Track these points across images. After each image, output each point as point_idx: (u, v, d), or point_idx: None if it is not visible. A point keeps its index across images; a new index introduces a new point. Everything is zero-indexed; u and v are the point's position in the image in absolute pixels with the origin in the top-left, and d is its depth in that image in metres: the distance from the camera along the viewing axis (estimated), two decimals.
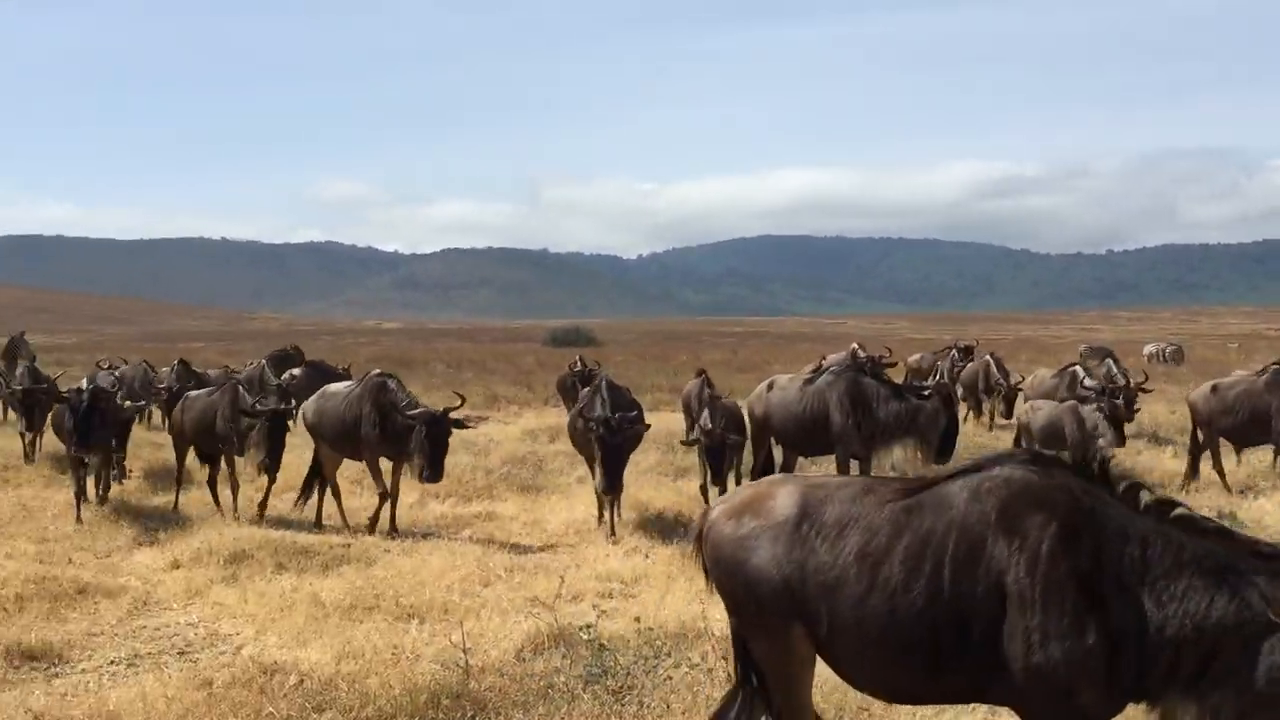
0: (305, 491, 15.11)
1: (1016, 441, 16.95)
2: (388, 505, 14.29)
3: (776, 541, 5.75)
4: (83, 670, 9.09)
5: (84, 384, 15.80)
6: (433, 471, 13.74)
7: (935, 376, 23.14)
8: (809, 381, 14.59)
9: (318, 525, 14.53)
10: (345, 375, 22.05)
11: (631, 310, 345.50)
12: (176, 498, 15.67)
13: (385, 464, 14.57)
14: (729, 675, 7.75)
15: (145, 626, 10.31)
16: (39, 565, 12.05)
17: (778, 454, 15.24)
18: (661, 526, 13.98)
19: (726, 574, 6.05)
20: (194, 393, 16.53)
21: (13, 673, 8.79)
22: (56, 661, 9.20)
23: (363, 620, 9.99)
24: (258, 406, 14.87)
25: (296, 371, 24.29)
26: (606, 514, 13.77)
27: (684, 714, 7.28)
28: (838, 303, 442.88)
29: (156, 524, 14.35)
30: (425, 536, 13.73)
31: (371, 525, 14.14)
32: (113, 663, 9.28)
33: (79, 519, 14.55)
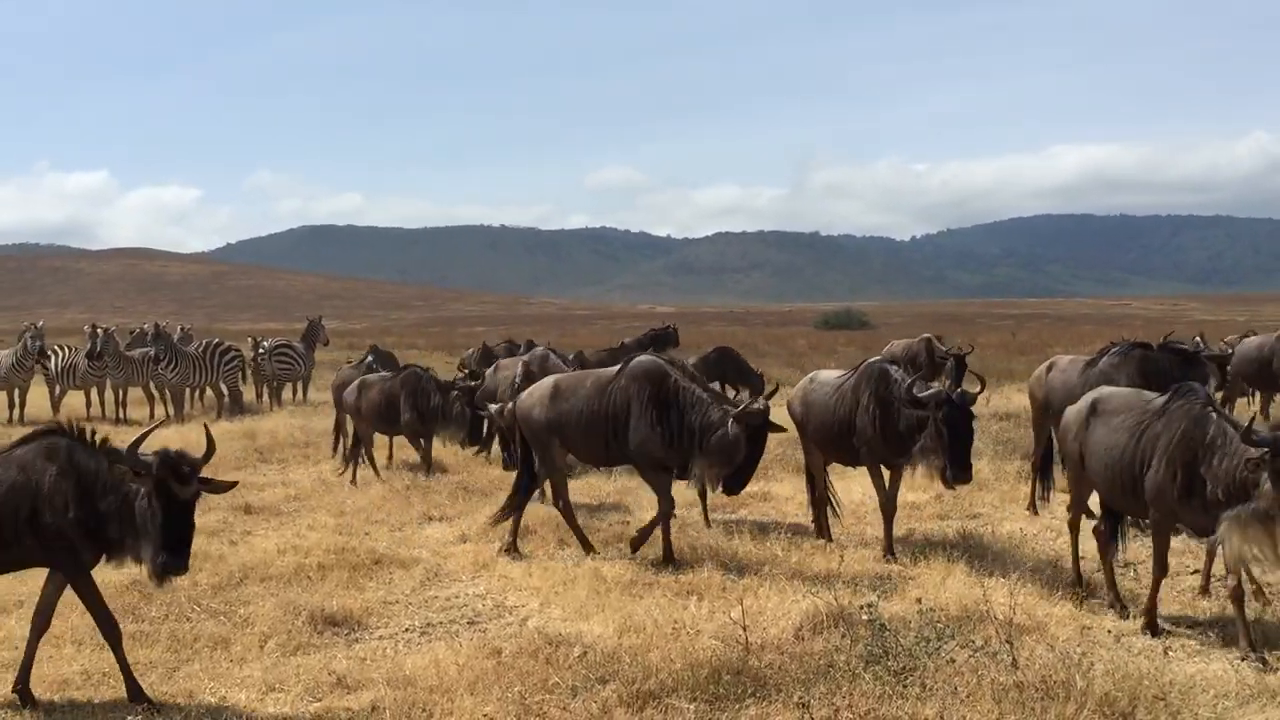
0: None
1: None
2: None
3: None
4: (380, 636, 9.51)
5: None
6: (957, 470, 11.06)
7: None
8: (1091, 363, 14.06)
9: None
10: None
11: (905, 292, 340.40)
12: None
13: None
14: (1014, 660, 7.60)
15: (437, 597, 10.72)
16: (338, 536, 12.71)
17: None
18: (941, 510, 13.77)
19: None
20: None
21: (316, 637, 9.26)
22: (356, 627, 9.65)
23: (643, 596, 10.14)
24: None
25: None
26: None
27: (968, 697, 7.14)
28: (1121, 283, 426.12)
29: (445, 500, 14.91)
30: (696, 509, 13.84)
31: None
32: (407, 630, 9.69)
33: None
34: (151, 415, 26.18)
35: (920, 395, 11.19)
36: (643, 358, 12.18)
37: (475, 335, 39.98)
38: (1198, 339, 21.85)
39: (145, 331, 28.09)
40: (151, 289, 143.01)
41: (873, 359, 12.49)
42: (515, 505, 12.42)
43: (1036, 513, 13.72)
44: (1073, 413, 10.09)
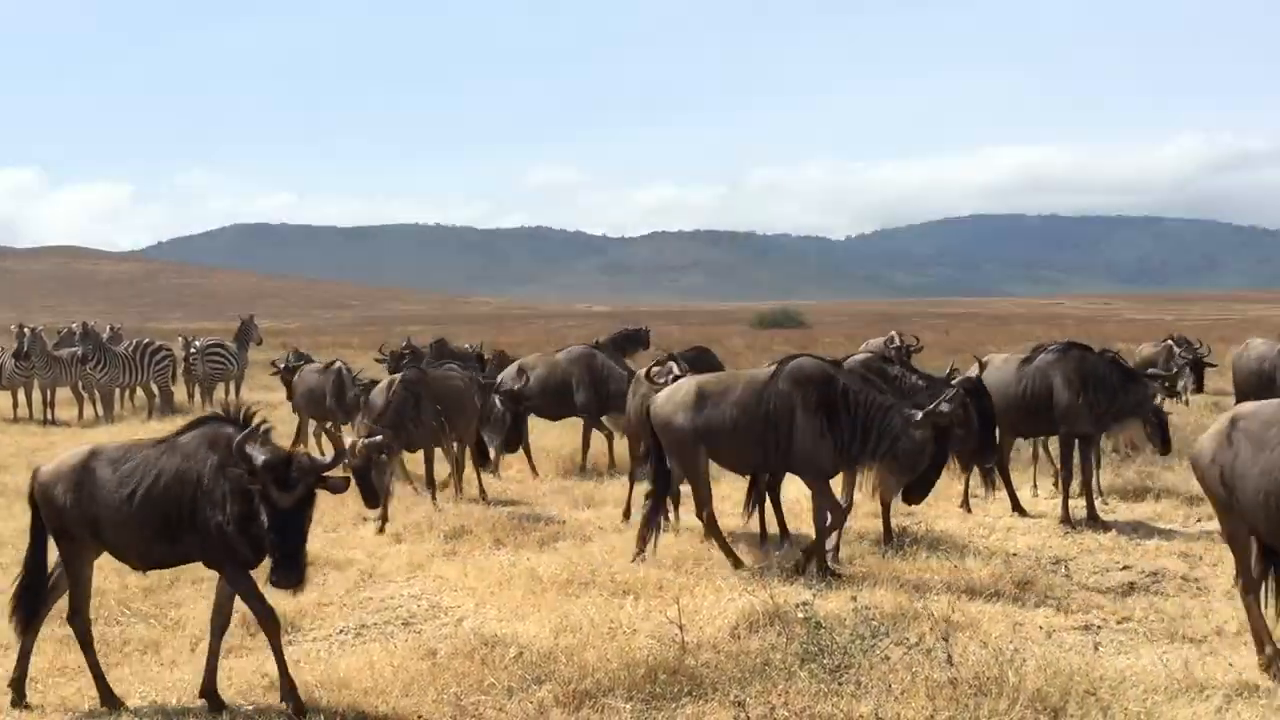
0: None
1: None
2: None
3: None
4: (314, 639, 9.43)
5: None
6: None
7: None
8: (1026, 361, 14.17)
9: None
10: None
11: (840, 292, 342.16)
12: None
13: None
14: (948, 657, 7.65)
15: (371, 598, 10.64)
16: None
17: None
18: (875, 508, 13.85)
19: None
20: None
21: (249, 640, 9.16)
22: (289, 630, 9.53)
23: (579, 595, 10.12)
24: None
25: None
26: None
27: (903, 694, 7.19)
28: (1054, 283, 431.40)
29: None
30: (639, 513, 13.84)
31: None
32: (341, 632, 9.61)
33: None
34: (80, 416, 25.85)
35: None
36: (802, 359, 11.19)
37: (411, 335, 39.64)
38: (1197, 344, 21.84)
39: (73, 331, 27.72)
40: (82, 288, 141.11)
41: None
42: (652, 520, 11.50)
43: (970, 510, 13.83)
44: (1209, 438, 8.19)
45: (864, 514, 13.48)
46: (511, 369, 17.85)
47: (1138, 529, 12.70)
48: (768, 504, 12.61)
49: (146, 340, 26.96)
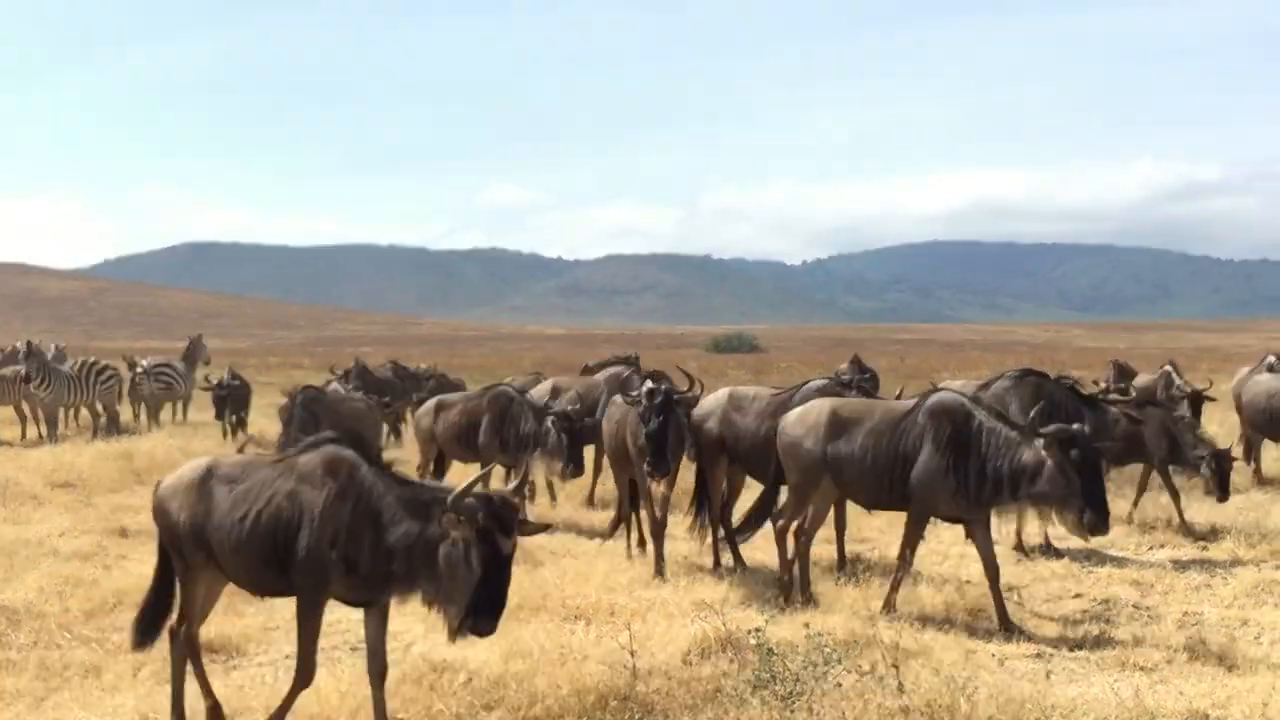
0: None
1: None
2: None
3: None
4: (259, 664, 9.29)
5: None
6: None
7: None
8: (983, 388, 14.25)
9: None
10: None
11: (796, 317, 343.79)
12: None
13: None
14: (900, 684, 7.62)
15: None
16: None
17: None
18: (829, 534, 13.82)
19: None
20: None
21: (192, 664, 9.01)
22: (234, 654, 9.41)
23: (529, 620, 10.01)
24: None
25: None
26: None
27: None
28: (1008, 310, 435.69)
29: None
30: (591, 539, 13.76)
31: None
32: (288, 657, 9.43)
33: None
34: (23, 435, 25.49)
35: None
36: (944, 393, 10.82)
37: (363, 356, 39.48)
38: (1206, 384, 21.22)
39: (17, 349, 27.32)
40: (27, 305, 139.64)
41: (821, 380, 12.64)
42: (783, 550, 11.15)
43: (924, 537, 13.80)
44: None
45: (817, 540, 13.44)
46: (544, 387, 17.52)
47: (1090, 557, 12.74)
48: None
49: (92, 359, 26.61)
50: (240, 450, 11.17)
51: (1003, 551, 13.04)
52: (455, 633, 6.91)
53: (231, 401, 24.57)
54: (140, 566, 12.11)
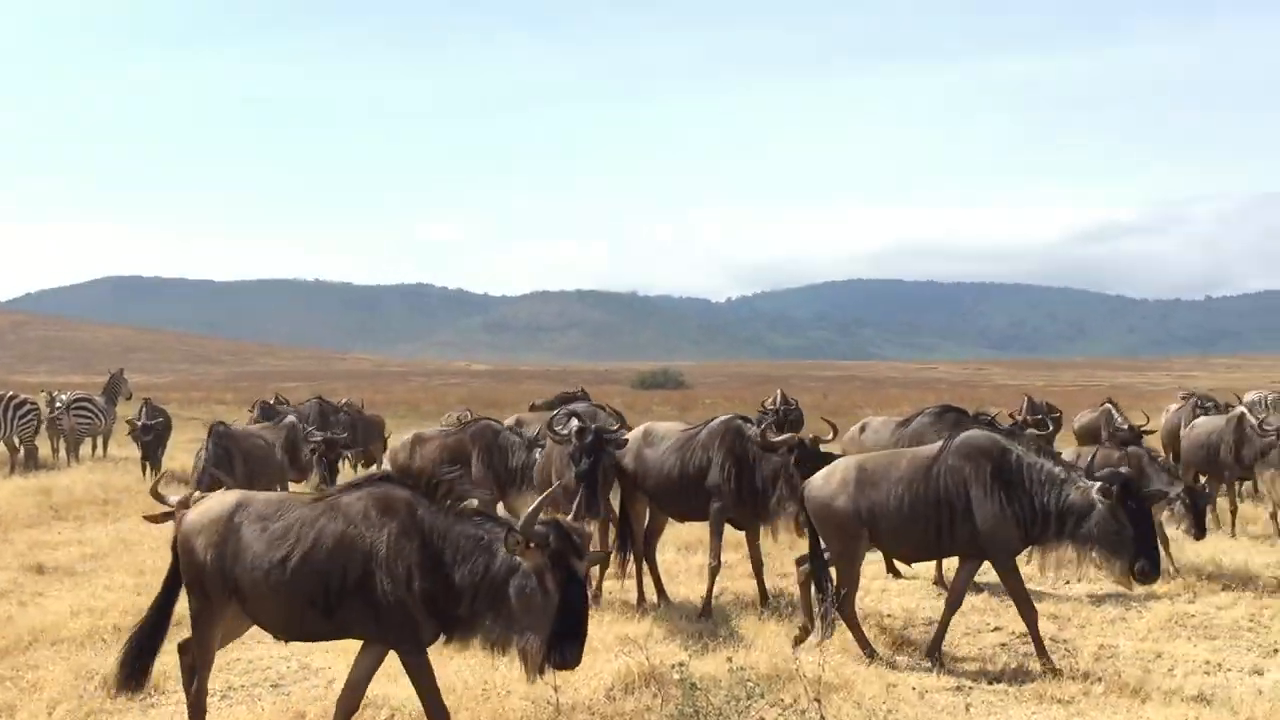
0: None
1: None
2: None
3: None
4: (177, 702, 9.13)
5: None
6: None
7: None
8: (904, 424, 14.42)
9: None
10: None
11: (721, 353, 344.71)
12: None
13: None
14: (821, 717, 7.67)
15: (239, 659, 10.38)
16: (137, 598, 12.23)
17: None
18: (748, 569, 13.89)
19: None
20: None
21: (110, 702, 8.87)
22: (152, 692, 9.25)
23: (453, 656, 9.90)
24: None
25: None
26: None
27: None
28: (929, 348, 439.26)
29: None
30: None
31: None
32: (212, 694, 9.34)
33: None
34: None
35: (774, 440, 11.30)
36: (972, 432, 10.50)
37: (287, 391, 39.15)
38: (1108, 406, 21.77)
39: None
40: None
41: (726, 416, 12.53)
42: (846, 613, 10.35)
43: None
44: None
45: (740, 575, 13.51)
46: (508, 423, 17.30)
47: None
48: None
49: (10, 393, 26.20)
50: (155, 485, 10.97)
51: (922, 585, 13.22)
52: (539, 669, 6.68)
53: (153, 435, 24.18)
54: (57, 604, 11.96)
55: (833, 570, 10.40)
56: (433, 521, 6.85)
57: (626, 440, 12.71)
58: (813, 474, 10.80)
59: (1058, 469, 9.76)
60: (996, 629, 11.30)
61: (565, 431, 12.41)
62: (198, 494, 11.07)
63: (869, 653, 10.11)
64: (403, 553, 6.77)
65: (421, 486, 7.03)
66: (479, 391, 65.33)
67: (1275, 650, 10.49)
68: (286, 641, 7.68)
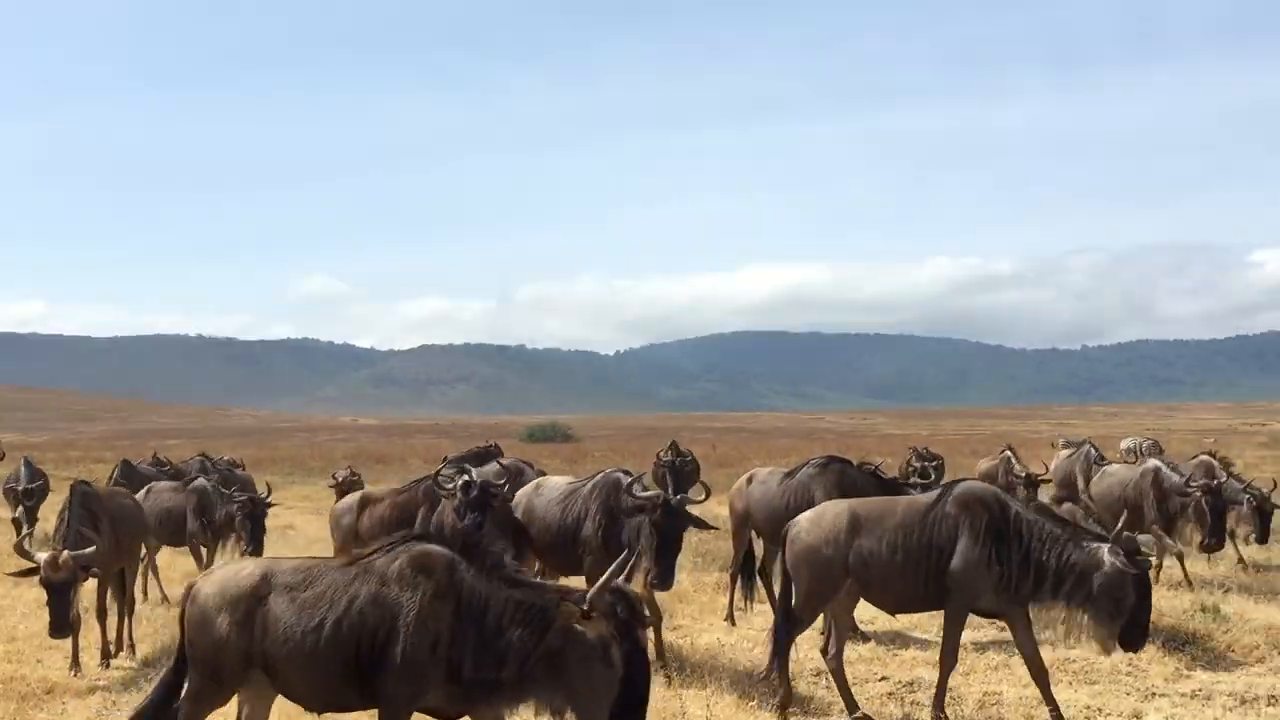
0: None
1: None
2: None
3: None
4: None
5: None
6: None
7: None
8: (790, 475, 14.47)
9: None
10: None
11: (610, 406, 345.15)
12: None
13: None
14: None
15: None
16: (7, 664, 11.88)
17: (758, 547, 15.05)
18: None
19: None
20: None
21: None
22: None
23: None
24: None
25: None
26: None
27: None
28: (816, 398, 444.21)
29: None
30: None
31: None
32: None
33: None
34: None
35: (640, 497, 11.18)
36: (972, 482, 10.35)
37: (167, 448, 38.42)
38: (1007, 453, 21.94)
39: None
40: None
41: (610, 469, 12.36)
42: (782, 653, 10.21)
43: (735, 623, 13.93)
44: None
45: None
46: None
47: (895, 639, 12.97)
48: None
49: None
50: (21, 542, 10.66)
51: (811, 636, 13.26)
52: None
53: (36, 499, 23.37)
54: None
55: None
56: (474, 583, 6.60)
57: (511, 496, 12.58)
58: (675, 534, 10.80)
59: (1059, 529, 9.57)
60: (883, 678, 11.37)
61: (450, 486, 12.31)
62: (66, 554, 10.87)
63: (853, 710, 9.94)
64: (436, 612, 6.51)
65: (460, 547, 6.79)
66: (366, 447, 64.59)
67: (1153, 694, 10.68)
68: (319, 714, 7.30)
